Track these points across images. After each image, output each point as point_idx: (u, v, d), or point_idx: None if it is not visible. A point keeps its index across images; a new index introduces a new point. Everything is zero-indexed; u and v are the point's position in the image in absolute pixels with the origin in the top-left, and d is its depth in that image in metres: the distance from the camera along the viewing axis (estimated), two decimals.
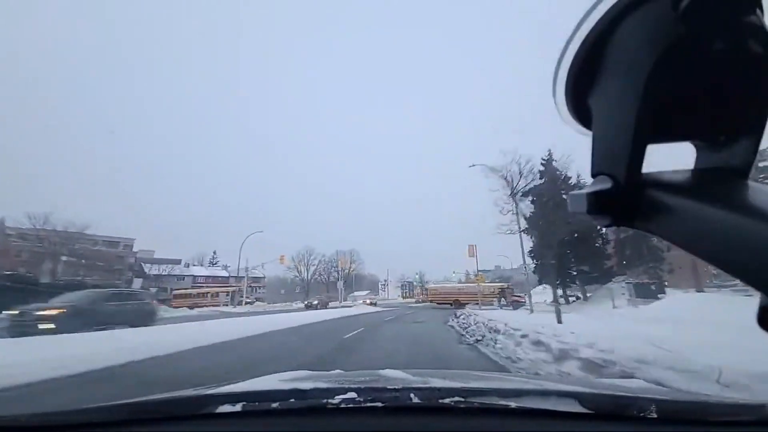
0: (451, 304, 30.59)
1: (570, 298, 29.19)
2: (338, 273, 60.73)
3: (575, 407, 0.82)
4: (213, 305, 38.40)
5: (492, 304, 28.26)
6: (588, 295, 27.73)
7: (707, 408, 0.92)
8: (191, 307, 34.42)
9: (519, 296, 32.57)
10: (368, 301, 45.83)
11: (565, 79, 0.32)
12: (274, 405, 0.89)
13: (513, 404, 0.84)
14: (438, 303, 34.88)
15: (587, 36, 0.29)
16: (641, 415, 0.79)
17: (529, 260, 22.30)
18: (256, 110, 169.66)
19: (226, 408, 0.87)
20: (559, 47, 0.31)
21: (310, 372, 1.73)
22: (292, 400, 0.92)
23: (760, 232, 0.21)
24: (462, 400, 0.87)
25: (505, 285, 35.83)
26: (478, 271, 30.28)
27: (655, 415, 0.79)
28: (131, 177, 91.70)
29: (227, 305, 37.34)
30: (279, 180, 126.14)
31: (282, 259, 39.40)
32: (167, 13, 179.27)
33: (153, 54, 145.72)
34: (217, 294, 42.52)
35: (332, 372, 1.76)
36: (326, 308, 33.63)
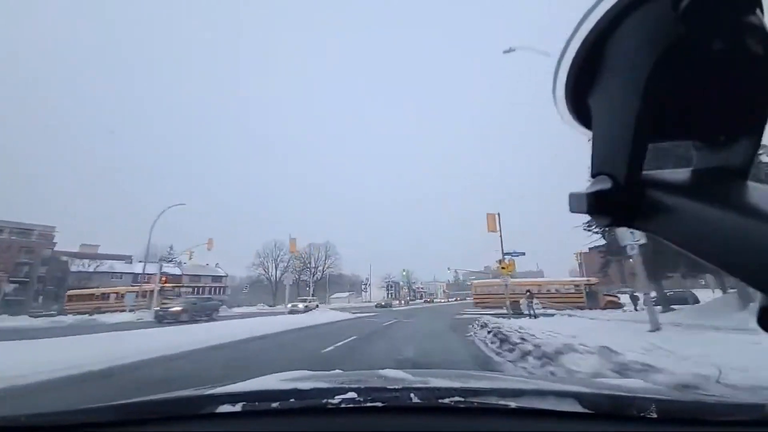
0: (505, 309, 19.45)
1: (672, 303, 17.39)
2: (301, 267, 48.65)
3: (575, 407, 0.81)
4: (119, 309, 28.66)
5: (501, 309, 19.45)
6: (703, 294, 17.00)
7: (707, 408, 0.91)
8: (91, 313, 26.29)
9: (614, 296, 24.23)
10: (300, 306, 28.27)
11: (565, 78, 0.31)
12: (274, 405, 0.89)
13: (512, 404, 0.83)
14: (487, 306, 24.36)
15: (587, 36, 0.29)
16: (641, 414, 0.79)
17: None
18: (255, 110, 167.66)
19: (226, 408, 0.86)
20: (559, 47, 0.31)
21: (310, 372, 1.72)
22: (292, 400, 0.91)
23: (759, 232, 0.21)
24: (461, 400, 0.86)
25: (594, 280, 24.91)
26: (504, 254, 17.22)
27: (654, 415, 0.78)
28: (129, 177, 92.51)
29: (140, 309, 25.56)
30: (263, 178, 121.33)
31: (210, 244, 28.03)
32: (167, 13, 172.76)
33: (153, 54, 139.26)
34: (123, 295, 30.90)
35: (332, 372, 1.77)
36: (213, 320, 18.82)
